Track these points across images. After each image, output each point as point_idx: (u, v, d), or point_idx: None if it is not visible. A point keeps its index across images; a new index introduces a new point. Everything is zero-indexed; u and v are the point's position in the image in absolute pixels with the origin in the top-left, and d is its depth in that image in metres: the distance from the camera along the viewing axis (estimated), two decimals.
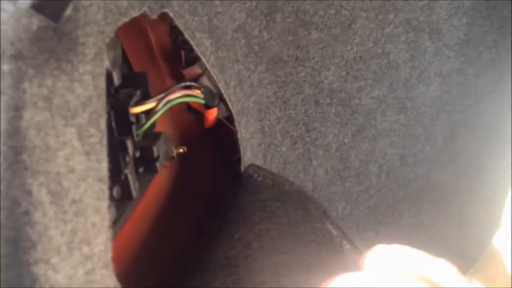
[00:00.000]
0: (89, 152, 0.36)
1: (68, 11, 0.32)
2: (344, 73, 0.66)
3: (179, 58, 0.59)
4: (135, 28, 0.53)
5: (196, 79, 0.60)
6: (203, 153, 0.64)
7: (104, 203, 0.37)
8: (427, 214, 0.76)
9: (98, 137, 0.37)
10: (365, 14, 0.63)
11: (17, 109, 0.30)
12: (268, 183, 0.54)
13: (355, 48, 0.65)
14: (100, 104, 0.37)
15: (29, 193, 0.31)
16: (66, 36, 0.34)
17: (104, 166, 0.37)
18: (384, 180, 0.73)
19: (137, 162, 0.48)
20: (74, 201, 0.34)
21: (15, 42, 0.31)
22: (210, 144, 0.65)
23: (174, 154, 0.59)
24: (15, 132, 0.30)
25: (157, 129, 0.52)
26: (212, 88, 0.56)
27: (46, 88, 0.32)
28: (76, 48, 0.35)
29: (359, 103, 0.68)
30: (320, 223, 0.49)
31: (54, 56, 0.33)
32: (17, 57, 0.31)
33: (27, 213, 0.31)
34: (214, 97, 0.53)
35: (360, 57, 0.65)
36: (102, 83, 0.38)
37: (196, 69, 0.58)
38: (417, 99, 0.70)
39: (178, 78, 0.61)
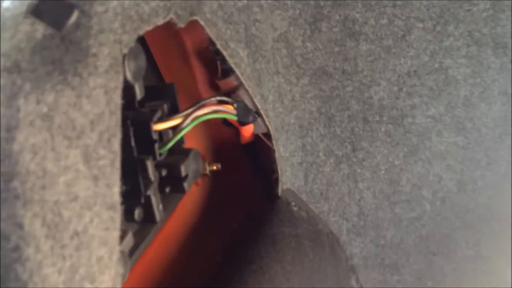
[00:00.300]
0: (97, 176, 0.31)
1: (72, 18, 0.28)
2: (396, 88, 0.60)
3: (216, 67, 0.55)
4: (167, 33, 0.49)
5: (232, 91, 0.55)
6: (238, 171, 0.60)
7: (114, 234, 0.33)
8: (486, 246, 0.69)
9: (109, 159, 0.33)
10: (421, 25, 0.57)
11: (9, 130, 0.27)
12: (303, 216, 0.49)
13: (409, 61, 0.59)
14: (113, 121, 0.33)
15: (20, 225, 0.27)
16: (76, 46, 0.30)
17: (115, 192, 0.33)
18: (439, 207, 0.66)
19: (163, 181, 0.44)
20: (76, 233, 0.30)
21: (12, 52, 0.27)
22: (247, 161, 0.61)
23: (207, 171, 0.55)
24: (5, 156, 0.26)
25: (188, 142, 0.47)
26: (248, 102, 0.51)
27: (46, 105, 0.28)
28: (86, 59, 0.31)
29: (412, 122, 0.62)
30: (346, 278, 0.44)
31: (59, 68, 0.29)
32: (12, 69, 0.27)
33: (17, 248, 0.27)
34: (249, 113, 0.48)
35: (415, 71, 0.59)
36: (117, 97, 0.34)
37: (232, 81, 0.54)
38: (478, 119, 0.64)
39: (215, 89, 0.57)
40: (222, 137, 0.59)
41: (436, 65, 0.59)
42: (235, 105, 0.46)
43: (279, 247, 0.45)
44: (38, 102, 0.27)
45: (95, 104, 0.31)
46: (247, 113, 0.47)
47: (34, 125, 0.27)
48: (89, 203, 0.31)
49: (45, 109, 0.28)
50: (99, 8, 0.32)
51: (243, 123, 0.49)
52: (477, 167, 0.66)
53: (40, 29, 0.29)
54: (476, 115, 0.63)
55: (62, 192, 0.29)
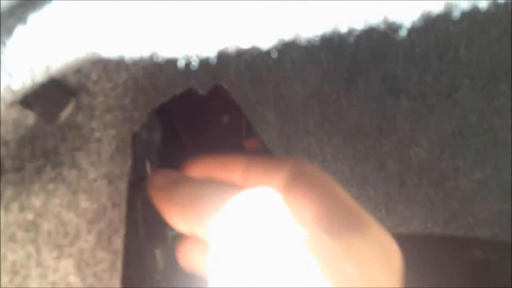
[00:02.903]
0: (93, 286, 0.26)
1: (68, 109, 0.23)
2: (438, 150, 0.54)
3: (239, 126, 0.50)
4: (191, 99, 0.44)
5: (259, 151, 0.50)
6: None
7: None
8: None
9: (109, 261, 0.27)
10: (469, 83, 0.51)
11: None
12: None
13: (454, 121, 0.53)
14: (116, 215, 0.28)
15: None
16: (75, 131, 0.26)
17: None
18: None
19: None
20: None
21: None
22: None
23: None
24: None
25: None
26: None
27: (32, 212, 0.23)
28: (87, 146, 0.26)
29: (455, 185, 0.56)
30: None
31: (52, 161, 0.24)
32: None
33: None
34: None
35: (460, 132, 0.53)
36: (123, 186, 0.29)
37: (258, 141, 0.49)
38: None
39: (240, 148, 0.52)
40: None
41: (484, 126, 0.53)
42: None
43: None
44: (21, 210, 0.23)
45: (95, 199, 0.26)
46: None
47: (15, 239, 0.22)
48: None
49: (30, 217, 0.23)
50: (106, 85, 0.27)
51: None
52: None
53: (32, 114, 0.24)
54: None
55: None
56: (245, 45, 0.18)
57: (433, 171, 0.55)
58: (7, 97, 0.23)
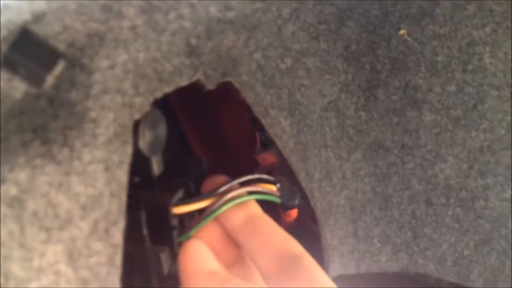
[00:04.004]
0: (87, 279, 0.24)
1: (57, 69, 0.21)
2: (466, 166, 0.51)
3: (254, 139, 0.48)
4: (197, 96, 0.42)
5: (273, 167, 0.48)
6: None
7: None
8: None
9: (106, 255, 0.25)
10: (496, 93, 0.49)
11: None
12: None
13: (481, 135, 0.50)
14: (115, 206, 0.26)
15: None
16: (68, 108, 0.24)
17: None
18: None
19: None
20: None
21: None
22: None
23: None
24: None
25: None
26: (290, 180, 0.44)
27: (16, 186, 0.21)
28: (81, 125, 0.24)
29: (485, 205, 0.52)
30: None
31: (41, 137, 0.22)
32: None
33: None
34: (294, 195, 0.40)
35: (488, 146, 0.50)
36: (121, 175, 0.27)
37: (273, 155, 0.46)
38: None
39: (253, 164, 0.49)
40: None
41: None
42: (278, 185, 0.38)
43: None
44: (3, 182, 0.20)
45: (90, 183, 0.24)
46: (292, 196, 0.39)
47: None
48: None
49: (13, 191, 0.21)
50: (103, 62, 0.25)
51: (287, 207, 0.41)
52: None
53: (21, 87, 0.22)
54: None
55: None
56: None
57: (461, 189, 0.52)
58: None
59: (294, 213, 0.45)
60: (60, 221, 0.23)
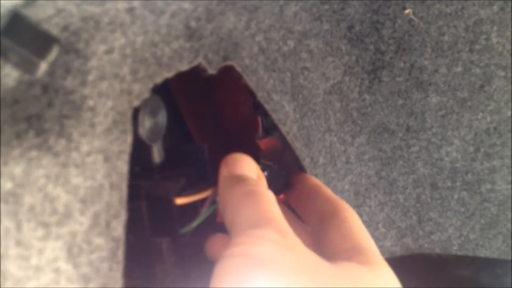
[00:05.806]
0: (89, 277, 0.23)
1: (51, 56, 0.20)
2: (472, 148, 0.50)
3: (256, 124, 0.47)
4: (196, 80, 0.41)
5: (278, 151, 0.46)
6: None
7: None
8: None
9: (108, 249, 0.24)
10: (503, 73, 0.47)
11: None
12: None
13: (488, 116, 0.49)
14: (115, 198, 0.25)
15: None
16: (64, 96, 0.23)
17: None
18: None
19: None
20: None
21: None
22: None
23: None
24: None
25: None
26: (295, 164, 0.43)
27: (11, 180, 0.20)
28: (78, 114, 0.23)
29: (491, 188, 0.52)
30: None
31: (36, 127, 0.21)
32: None
33: None
34: (281, 180, 0.39)
35: (495, 128, 0.49)
36: (122, 166, 0.25)
37: (275, 140, 0.45)
38: None
39: (256, 150, 0.48)
40: None
41: None
42: (265, 173, 0.37)
43: None
44: None
45: (89, 175, 0.23)
46: (279, 180, 0.38)
47: None
48: None
49: (8, 186, 0.20)
50: (99, 47, 0.24)
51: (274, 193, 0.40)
52: None
53: (13, 74, 0.21)
54: None
55: None
56: None
57: (467, 172, 0.51)
58: None
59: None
60: (59, 216, 0.22)
